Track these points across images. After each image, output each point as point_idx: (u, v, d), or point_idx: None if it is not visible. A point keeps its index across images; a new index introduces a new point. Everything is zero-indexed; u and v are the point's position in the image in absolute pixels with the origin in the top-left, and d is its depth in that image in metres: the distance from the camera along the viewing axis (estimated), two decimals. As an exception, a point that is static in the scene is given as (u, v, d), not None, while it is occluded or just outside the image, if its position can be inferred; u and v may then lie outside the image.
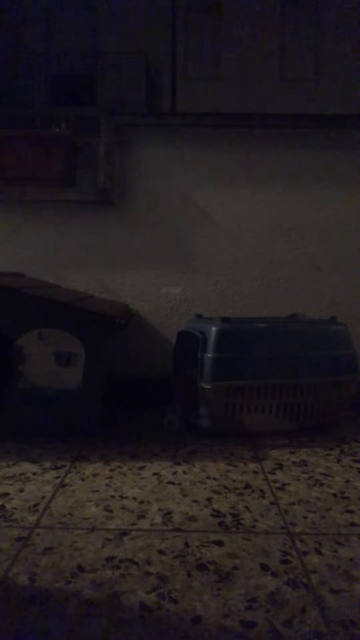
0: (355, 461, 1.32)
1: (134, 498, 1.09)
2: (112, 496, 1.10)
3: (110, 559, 0.86)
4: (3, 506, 1.05)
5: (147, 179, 1.87)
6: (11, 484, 1.16)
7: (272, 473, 1.23)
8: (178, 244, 1.87)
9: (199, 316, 1.72)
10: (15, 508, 1.04)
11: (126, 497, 1.09)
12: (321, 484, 1.17)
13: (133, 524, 0.98)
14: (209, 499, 1.09)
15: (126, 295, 1.88)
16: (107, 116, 1.85)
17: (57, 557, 0.86)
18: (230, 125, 1.88)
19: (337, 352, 1.56)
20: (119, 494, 1.11)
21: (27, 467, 1.25)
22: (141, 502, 1.07)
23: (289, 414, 1.49)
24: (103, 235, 1.87)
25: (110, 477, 1.20)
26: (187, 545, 0.90)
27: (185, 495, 1.10)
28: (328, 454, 1.37)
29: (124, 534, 0.94)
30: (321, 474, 1.23)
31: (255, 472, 1.24)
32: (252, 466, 1.28)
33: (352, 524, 0.98)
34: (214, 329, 1.46)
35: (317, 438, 1.49)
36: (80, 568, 0.83)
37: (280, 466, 1.28)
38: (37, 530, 0.95)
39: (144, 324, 1.89)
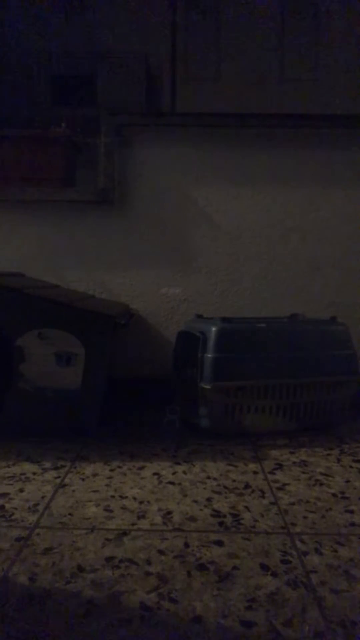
0: (355, 461, 1.32)
1: (134, 498, 1.09)
2: (112, 496, 1.10)
3: (110, 559, 0.86)
4: (3, 506, 1.05)
5: (147, 179, 1.87)
6: (11, 484, 1.16)
7: (272, 473, 1.23)
8: (178, 244, 1.87)
9: (199, 316, 1.72)
10: (15, 508, 1.04)
11: (126, 497, 1.09)
12: (321, 484, 1.17)
13: (133, 524, 0.98)
14: (209, 499, 1.09)
15: (126, 295, 1.88)
16: (107, 116, 1.85)
17: (57, 557, 0.86)
18: (230, 125, 1.87)
19: (337, 352, 1.56)
20: (119, 494, 1.11)
21: (27, 467, 1.25)
22: (141, 502, 1.07)
23: (289, 414, 1.49)
24: (103, 235, 1.87)
25: (110, 477, 1.20)
26: (187, 545, 0.90)
27: (185, 495, 1.10)
28: (328, 454, 1.37)
29: (124, 534, 0.94)
30: (321, 474, 1.23)
31: (255, 472, 1.24)
32: (252, 466, 1.28)
33: (352, 524, 0.98)
34: (214, 329, 1.46)
35: (317, 438, 1.49)
36: (80, 568, 0.83)
37: (280, 466, 1.28)
38: (37, 530, 0.95)
39: (144, 324, 1.89)
